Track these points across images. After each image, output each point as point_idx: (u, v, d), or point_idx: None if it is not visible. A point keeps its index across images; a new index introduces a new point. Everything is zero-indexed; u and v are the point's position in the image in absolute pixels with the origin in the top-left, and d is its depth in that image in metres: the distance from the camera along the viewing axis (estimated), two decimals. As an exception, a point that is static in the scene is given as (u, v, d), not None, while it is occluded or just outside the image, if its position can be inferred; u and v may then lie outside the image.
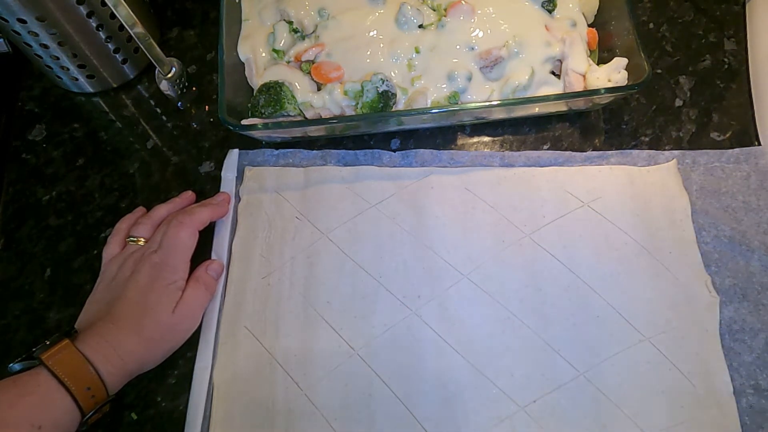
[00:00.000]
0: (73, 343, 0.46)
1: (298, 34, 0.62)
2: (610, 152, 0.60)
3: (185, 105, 0.66)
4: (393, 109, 0.58)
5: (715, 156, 0.59)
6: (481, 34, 0.60)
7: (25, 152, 0.64)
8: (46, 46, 0.59)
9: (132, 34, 0.54)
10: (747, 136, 0.61)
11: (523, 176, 0.59)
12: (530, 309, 0.53)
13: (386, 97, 0.57)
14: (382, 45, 0.60)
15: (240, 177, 0.61)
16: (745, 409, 0.49)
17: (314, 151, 0.62)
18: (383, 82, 0.57)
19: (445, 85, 0.59)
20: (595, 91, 0.56)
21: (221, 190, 0.60)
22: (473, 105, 0.58)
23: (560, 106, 0.61)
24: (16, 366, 0.45)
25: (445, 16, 0.61)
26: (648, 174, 0.59)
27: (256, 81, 0.60)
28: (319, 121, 0.59)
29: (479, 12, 0.60)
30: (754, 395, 0.50)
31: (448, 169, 0.60)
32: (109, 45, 0.62)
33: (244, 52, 0.62)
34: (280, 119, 0.59)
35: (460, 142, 0.63)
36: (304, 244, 0.57)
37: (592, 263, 0.55)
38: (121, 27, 0.60)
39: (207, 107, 0.66)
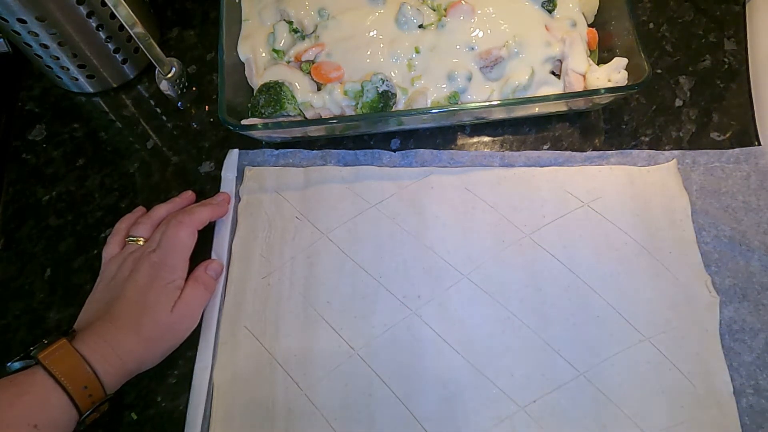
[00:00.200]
0: (71, 343, 0.46)
1: (298, 34, 0.62)
2: (610, 152, 0.60)
3: (185, 105, 0.66)
4: (393, 109, 0.58)
5: (715, 156, 0.60)
6: (481, 34, 0.60)
7: (25, 152, 0.64)
8: (46, 46, 0.59)
9: (132, 34, 0.54)
10: (747, 136, 0.61)
11: (523, 176, 0.59)
12: (530, 309, 0.53)
13: (386, 97, 0.57)
14: (382, 45, 0.60)
15: (240, 177, 0.61)
16: (745, 409, 0.49)
17: (314, 151, 0.62)
18: (383, 82, 0.57)
19: (445, 85, 0.59)
20: (595, 91, 0.56)
21: (221, 190, 0.60)
22: (473, 105, 0.58)
23: (560, 106, 0.61)
24: (15, 365, 0.45)
25: (445, 16, 0.61)
26: (648, 174, 0.59)
27: (256, 81, 0.60)
28: (319, 121, 0.59)
29: (479, 12, 0.60)
30: (754, 395, 0.50)
31: (448, 169, 0.60)
32: (109, 45, 0.62)
33: (244, 52, 0.62)
34: (280, 119, 0.59)
35: (460, 142, 0.63)
36: (304, 244, 0.57)
37: (592, 263, 0.55)
38: (121, 27, 0.60)
39: (207, 107, 0.66)
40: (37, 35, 0.57)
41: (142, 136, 0.65)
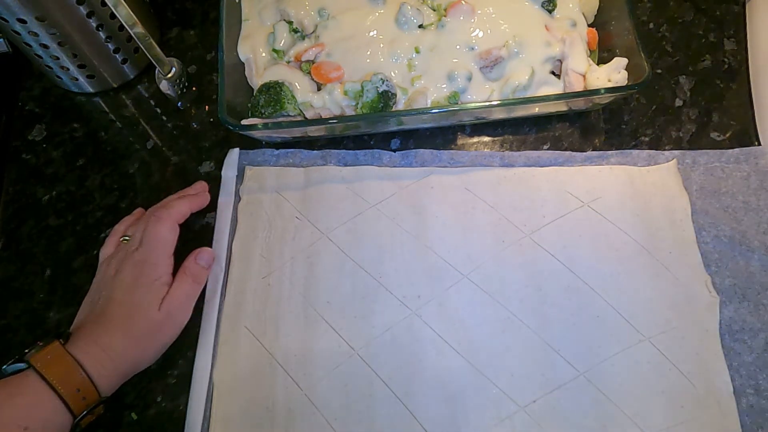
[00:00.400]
0: (65, 346, 0.46)
1: (298, 34, 0.62)
2: (610, 152, 0.60)
3: (185, 105, 0.66)
4: (393, 109, 0.58)
5: (715, 156, 0.60)
6: (481, 34, 0.60)
7: (25, 152, 0.64)
8: (46, 46, 0.59)
9: (132, 34, 0.54)
10: (747, 136, 0.61)
11: (523, 176, 0.59)
12: (530, 309, 0.53)
13: (386, 97, 0.57)
14: (382, 45, 0.60)
15: (240, 176, 0.61)
16: (745, 409, 0.49)
17: (314, 151, 0.62)
18: (383, 82, 0.57)
19: (445, 85, 0.59)
20: (595, 91, 0.56)
21: (221, 189, 0.60)
22: (473, 105, 0.58)
23: (560, 106, 0.61)
24: (9, 368, 0.45)
25: (445, 16, 0.61)
26: (648, 174, 0.59)
27: (256, 81, 0.60)
28: (319, 121, 0.59)
29: (479, 12, 0.60)
30: (754, 395, 0.50)
31: (448, 169, 0.60)
32: (109, 45, 0.62)
33: (244, 52, 0.62)
34: (280, 119, 0.59)
35: (460, 142, 0.63)
36: (304, 244, 0.57)
37: (592, 263, 0.55)
38: (121, 27, 0.60)
39: (207, 107, 0.66)
40: (37, 35, 0.57)
41: (142, 136, 0.65)
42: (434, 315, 0.53)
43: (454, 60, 0.59)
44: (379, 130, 0.63)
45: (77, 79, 0.64)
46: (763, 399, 0.50)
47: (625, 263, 0.55)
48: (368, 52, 0.60)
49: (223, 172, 0.61)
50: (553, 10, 0.62)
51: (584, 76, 0.59)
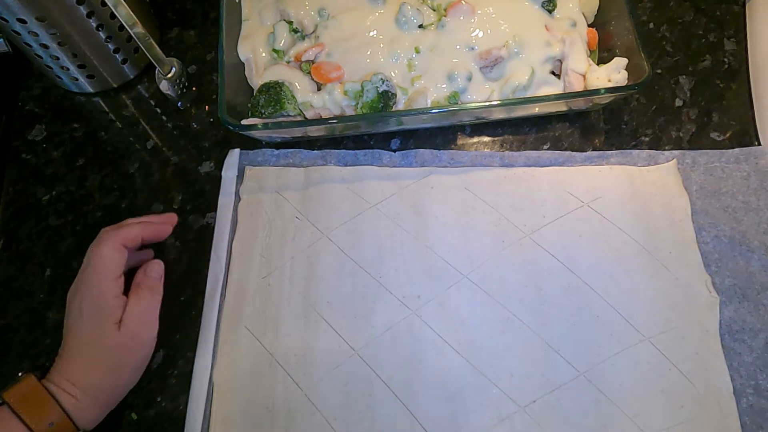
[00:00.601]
0: (41, 380, 0.45)
1: (298, 34, 0.62)
2: (610, 152, 0.60)
3: (185, 105, 0.66)
4: (393, 109, 0.58)
5: (715, 156, 0.60)
6: (481, 34, 0.60)
7: (25, 152, 0.64)
8: (46, 46, 0.59)
9: (132, 34, 0.54)
10: (747, 136, 0.61)
11: (523, 176, 0.59)
12: (530, 309, 0.53)
13: (386, 97, 0.57)
14: (382, 45, 0.60)
15: (240, 177, 0.61)
16: (745, 409, 0.49)
17: (314, 151, 0.62)
18: (383, 82, 0.57)
19: (445, 85, 0.59)
20: (595, 91, 0.56)
21: (221, 189, 0.60)
22: (473, 105, 0.58)
23: (560, 106, 0.61)
24: None
25: (445, 16, 0.61)
26: (648, 174, 0.59)
27: (256, 81, 0.60)
28: (319, 121, 0.59)
29: (479, 12, 0.60)
30: (754, 395, 0.50)
31: (448, 169, 0.60)
32: (109, 45, 0.62)
33: (244, 52, 0.62)
34: (280, 119, 0.59)
35: (460, 142, 0.63)
36: (304, 244, 0.57)
37: (592, 263, 0.55)
38: (121, 27, 0.60)
39: (207, 107, 0.66)
40: (37, 35, 0.57)
41: (142, 136, 0.65)
42: (434, 315, 0.53)
43: (454, 60, 0.59)
44: (379, 130, 0.63)
45: (77, 79, 0.64)
46: (763, 399, 0.50)
47: (625, 263, 0.55)
48: (368, 52, 0.60)
49: (223, 173, 0.61)
50: (553, 10, 0.62)
51: (584, 76, 0.59)
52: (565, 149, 0.61)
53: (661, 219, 0.57)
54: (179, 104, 0.65)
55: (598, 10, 0.63)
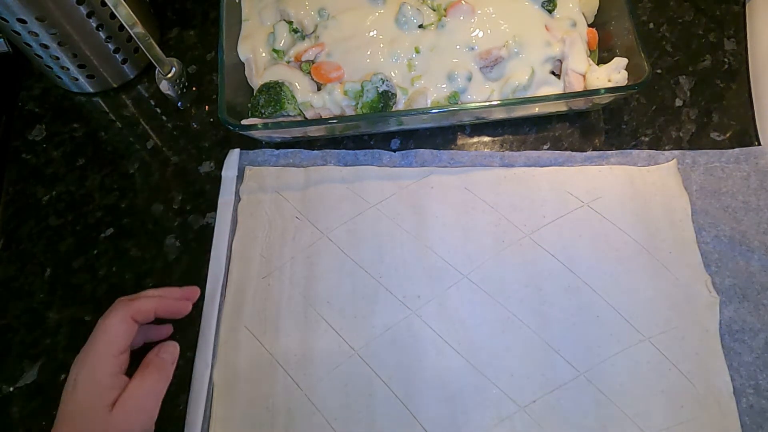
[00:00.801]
0: None
1: (298, 34, 0.62)
2: (610, 152, 0.60)
3: (185, 105, 0.66)
4: (393, 109, 0.58)
5: (715, 156, 0.60)
6: (481, 34, 0.60)
7: (25, 152, 0.64)
8: (46, 46, 0.59)
9: (132, 34, 0.54)
10: (747, 136, 0.61)
11: (523, 176, 0.59)
12: (530, 309, 0.53)
13: (386, 97, 0.57)
14: (382, 45, 0.60)
15: (240, 177, 0.61)
16: (745, 409, 0.49)
17: (314, 151, 0.62)
18: (383, 82, 0.57)
19: (445, 85, 0.59)
20: (595, 91, 0.56)
21: (221, 189, 0.60)
22: (473, 105, 0.58)
23: (560, 106, 0.61)
24: None
25: (445, 16, 0.61)
26: (648, 174, 0.59)
27: (256, 81, 0.60)
28: (319, 121, 0.59)
29: (479, 12, 0.60)
30: (754, 395, 0.50)
31: (448, 169, 0.60)
32: (109, 45, 0.62)
33: (244, 52, 0.62)
34: (280, 119, 0.59)
35: (460, 142, 0.63)
36: (304, 244, 0.57)
37: (592, 263, 0.55)
38: (121, 27, 0.60)
39: (207, 107, 0.66)
40: (37, 35, 0.57)
41: (142, 136, 0.65)
42: (434, 315, 0.53)
43: (454, 60, 0.59)
44: (379, 130, 0.63)
45: (77, 79, 0.64)
46: (763, 399, 0.50)
47: (625, 263, 0.55)
48: (368, 52, 0.60)
49: (223, 173, 0.61)
50: (553, 10, 0.62)
51: (584, 76, 0.59)
52: (565, 149, 0.61)
53: (661, 219, 0.57)
54: (179, 104, 0.65)
55: (598, 10, 0.63)
